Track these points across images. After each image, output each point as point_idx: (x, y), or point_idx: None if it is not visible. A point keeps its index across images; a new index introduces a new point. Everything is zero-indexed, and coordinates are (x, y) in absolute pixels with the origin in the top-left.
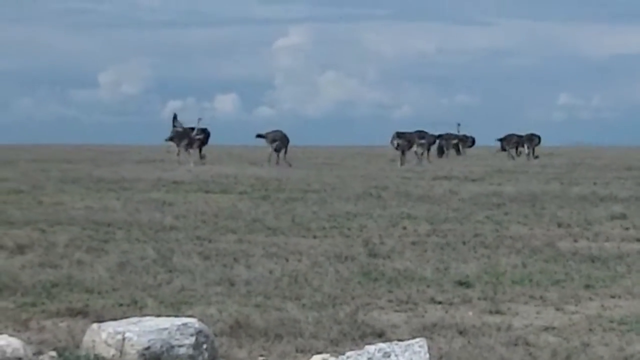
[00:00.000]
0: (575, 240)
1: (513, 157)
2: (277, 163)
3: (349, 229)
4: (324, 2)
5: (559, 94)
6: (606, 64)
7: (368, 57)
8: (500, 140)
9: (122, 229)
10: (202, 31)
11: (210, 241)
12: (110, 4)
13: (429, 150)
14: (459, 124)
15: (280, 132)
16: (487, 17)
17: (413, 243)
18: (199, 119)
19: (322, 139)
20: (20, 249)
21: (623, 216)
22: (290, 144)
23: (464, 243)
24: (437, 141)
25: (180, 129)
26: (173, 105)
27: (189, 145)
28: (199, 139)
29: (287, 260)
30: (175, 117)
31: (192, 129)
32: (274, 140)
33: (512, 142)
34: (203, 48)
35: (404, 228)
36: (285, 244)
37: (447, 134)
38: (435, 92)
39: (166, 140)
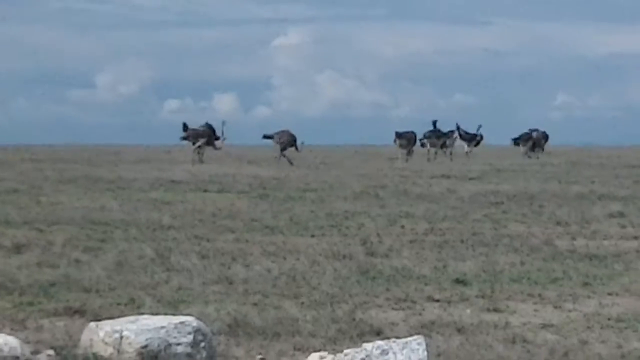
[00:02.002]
0: (573, 239)
1: (529, 156)
2: (279, 159)
3: (347, 227)
4: (322, 2)
5: (556, 93)
6: (603, 63)
7: (366, 57)
8: (516, 139)
9: (119, 229)
10: (200, 31)
11: (208, 240)
12: (107, 4)
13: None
14: (480, 126)
15: (288, 132)
16: (485, 17)
17: (411, 242)
18: (223, 122)
19: (321, 138)
20: (18, 249)
21: (621, 214)
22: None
23: (462, 241)
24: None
25: (201, 129)
26: (171, 105)
27: (208, 144)
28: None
29: (285, 259)
30: (185, 126)
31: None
32: (281, 141)
33: (527, 141)
34: (200, 48)
35: (402, 227)
36: (284, 243)
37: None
38: (433, 92)
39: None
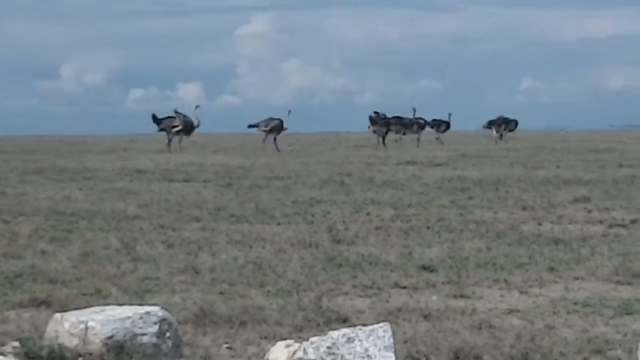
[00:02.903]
0: (539, 224)
1: (497, 141)
2: (265, 145)
3: (312, 215)
4: None
5: (522, 78)
6: (570, 49)
7: (331, 44)
8: (490, 122)
9: (85, 219)
10: (165, 21)
11: (174, 230)
12: None
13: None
14: (450, 114)
15: (276, 119)
16: (452, 3)
17: (377, 228)
18: (197, 107)
19: (286, 126)
20: None
21: (586, 199)
22: (254, 131)
23: (428, 228)
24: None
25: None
26: (135, 94)
27: (185, 132)
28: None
29: (251, 247)
30: (155, 117)
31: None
32: (269, 128)
33: (499, 125)
34: (166, 37)
35: (368, 214)
36: (249, 231)
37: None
38: (399, 78)
39: (175, 131)
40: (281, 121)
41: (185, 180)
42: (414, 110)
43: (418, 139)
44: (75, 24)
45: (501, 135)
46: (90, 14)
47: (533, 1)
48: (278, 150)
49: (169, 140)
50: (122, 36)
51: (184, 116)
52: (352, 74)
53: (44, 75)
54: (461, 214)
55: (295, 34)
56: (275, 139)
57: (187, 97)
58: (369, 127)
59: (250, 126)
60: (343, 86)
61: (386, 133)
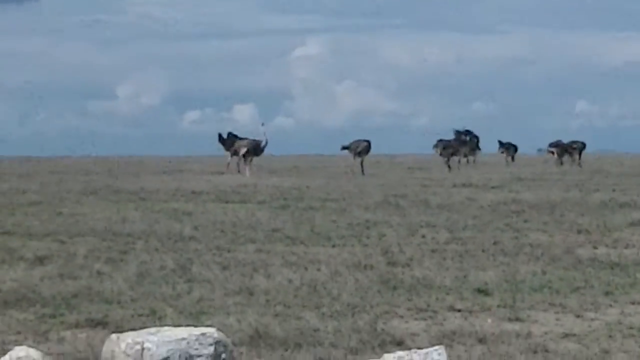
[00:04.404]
0: (595, 247)
1: (561, 163)
2: (354, 168)
3: (367, 237)
4: (341, 12)
5: (576, 101)
6: (622, 71)
7: (385, 66)
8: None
9: (141, 240)
10: (220, 43)
11: (229, 251)
12: (128, 16)
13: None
14: (465, 130)
15: (364, 141)
16: (504, 26)
17: (432, 251)
18: (262, 124)
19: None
20: (40, 261)
21: None
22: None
23: (483, 251)
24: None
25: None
26: (191, 116)
27: (254, 154)
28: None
29: (306, 269)
30: (230, 134)
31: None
32: (357, 151)
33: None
34: (220, 59)
35: (423, 236)
36: (305, 253)
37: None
38: (452, 101)
39: (241, 153)
40: (369, 143)
41: (241, 202)
42: (466, 131)
43: (474, 161)
44: (131, 45)
45: (562, 160)
46: (146, 36)
47: (583, 23)
48: (363, 173)
49: (238, 163)
50: (178, 57)
51: (254, 140)
52: (405, 97)
53: (99, 96)
54: (516, 237)
55: (349, 56)
56: (362, 161)
57: (242, 118)
58: (434, 147)
59: (344, 148)
60: (397, 108)
61: (451, 155)
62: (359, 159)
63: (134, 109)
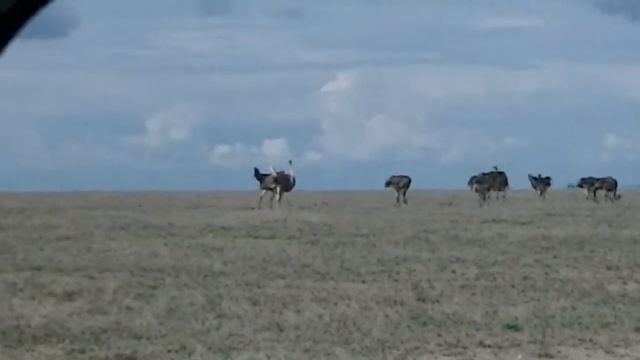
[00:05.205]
0: (625, 283)
1: (595, 200)
2: (402, 204)
3: (397, 273)
4: (371, 46)
5: (606, 135)
6: None
7: (415, 101)
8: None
9: (170, 275)
10: (249, 76)
11: (258, 286)
12: (157, 50)
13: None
14: (495, 167)
15: (405, 176)
16: (534, 60)
17: (462, 287)
18: (290, 161)
19: (370, 183)
20: (69, 296)
21: None
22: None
23: (513, 286)
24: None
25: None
26: (221, 150)
27: (285, 189)
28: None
29: (336, 304)
30: (256, 171)
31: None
32: (400, 185)
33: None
34: (250, 93)
35: (453, 272)
36: (334, 288)
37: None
38: (483, 135)
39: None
40: (409, 179)
41: (270, 237)
42: (495, 168)
43: (503, 196)
44: (160, 78)
45: (594, 194)
46: (175, 69)
47: (613, 57)
48: (405, 202)
49: (271, 198)
50: (207, 91)
51: (285, 174)
52: (436, 131)
53: (129, 130)
54: (546, 273)
55: (379, 90)
56: (405, 193)
57: (272, 153)
58: (469, 184)
59: (388, 184)
60: (427, 143)
61: (488, 190)
62: (402, 193)
63: (163, 143)
